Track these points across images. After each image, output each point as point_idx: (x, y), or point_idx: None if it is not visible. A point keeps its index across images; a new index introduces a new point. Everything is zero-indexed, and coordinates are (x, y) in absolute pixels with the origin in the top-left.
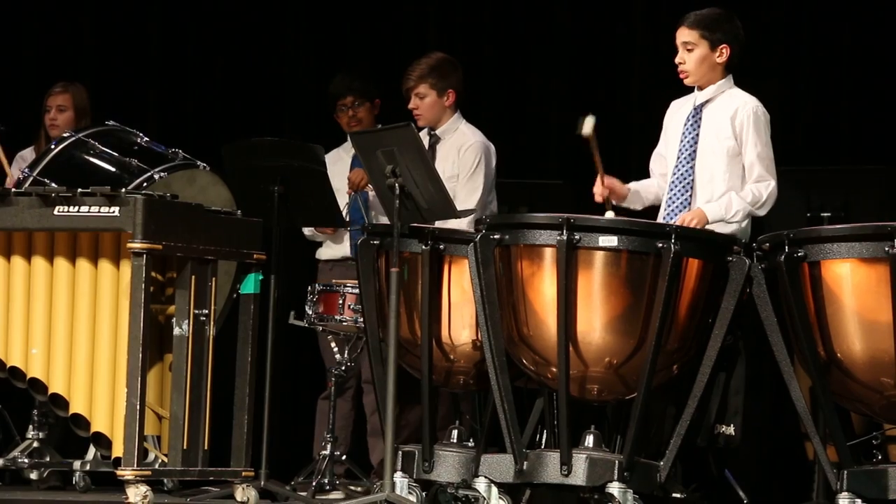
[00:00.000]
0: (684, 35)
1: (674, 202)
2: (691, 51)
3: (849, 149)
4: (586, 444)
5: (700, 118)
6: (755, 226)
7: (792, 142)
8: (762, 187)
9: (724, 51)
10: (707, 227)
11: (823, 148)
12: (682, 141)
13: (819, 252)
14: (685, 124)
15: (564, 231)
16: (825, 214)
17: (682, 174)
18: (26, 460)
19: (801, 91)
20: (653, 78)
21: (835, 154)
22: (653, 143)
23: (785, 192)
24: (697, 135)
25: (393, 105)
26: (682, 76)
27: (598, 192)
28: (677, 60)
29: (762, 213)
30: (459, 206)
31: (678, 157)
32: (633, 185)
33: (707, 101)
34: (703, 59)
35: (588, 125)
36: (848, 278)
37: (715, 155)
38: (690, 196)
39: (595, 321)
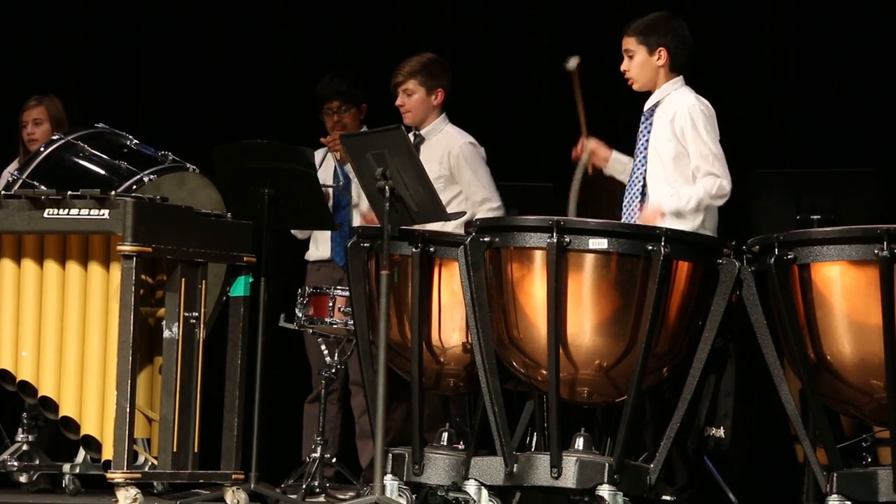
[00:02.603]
0: (625, 43)
1: (629, 205)
2: (632, 57)
3: (838, 151)
4: (576, 446)
5: (651, 122)
6: (746, 228)
7: (782, 144)
8: (708, 181)
9: (661, 53)
10: (667, 220)
11: (813, 150)
12: (636, 144)
13: (809, 254)
14: (639, 128)
15: (554, 234)
16: (815, 217)
17: (635, 178)
18: (16, 463)
19: (791, 93)
20: None
21: (825, 156)
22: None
23: (775, 194)
24: (648, 139)
25: (382, 107)
26: (629, 83)
27: (577, 150)
28: (622, 69)
29: (718, 203)
30: (482, 207)
31: (634, 161)
32: (618, 154)
33: (656, 105)
34: (643, 64)
35: (574, 60)
36: (838, 281)
37: (660, 158)
38: (643, 199)
39: (585, 324)
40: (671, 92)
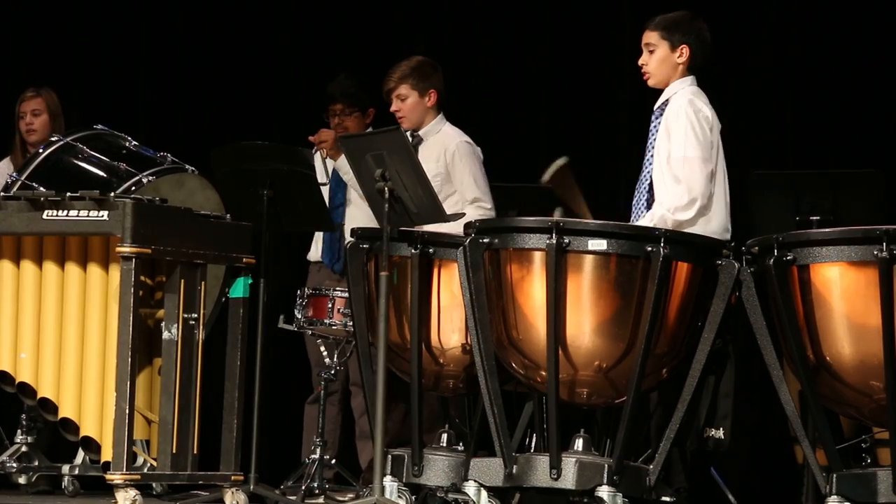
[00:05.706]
0: (646, 37)
1: (637, 204)
2: (653, 52)
3: (838, 152)
4: (576, 447)
5: (660, 120)
6: (745, 229)
7: (781, 145)
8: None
9: (683, 51)
10: None
11: (813, 151)
12: (647, 143)
13: (808, 255)
14: (650, 127)
15: (554, 235)
16: (814, 218)
17: (643, 177)
18: (15, 465)
19: (790, 94)
20: (642, 83)
21: (824, 157)
22: (642, 148)
23: (774, 195)
24: (655, 138)
25: (383, 110)
26: (644, 78)
27: None
28: (640, 62)
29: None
30: (472, 206)
31: (644, 159)
32: None
33: (665, 103)
34: (663, 60)
35: (552, 169)
36: (837, 282)
37: (660, 157)
38: (649, 198)
39: (584, 325)
40: (678, 91)
